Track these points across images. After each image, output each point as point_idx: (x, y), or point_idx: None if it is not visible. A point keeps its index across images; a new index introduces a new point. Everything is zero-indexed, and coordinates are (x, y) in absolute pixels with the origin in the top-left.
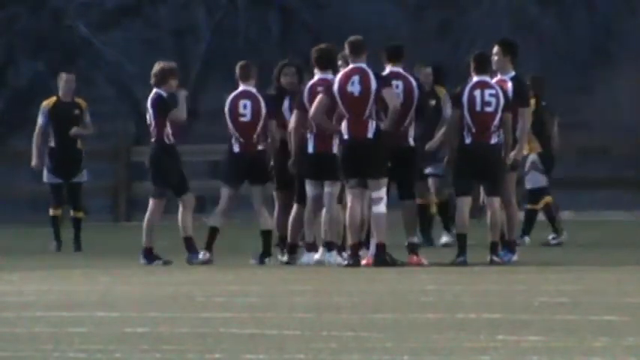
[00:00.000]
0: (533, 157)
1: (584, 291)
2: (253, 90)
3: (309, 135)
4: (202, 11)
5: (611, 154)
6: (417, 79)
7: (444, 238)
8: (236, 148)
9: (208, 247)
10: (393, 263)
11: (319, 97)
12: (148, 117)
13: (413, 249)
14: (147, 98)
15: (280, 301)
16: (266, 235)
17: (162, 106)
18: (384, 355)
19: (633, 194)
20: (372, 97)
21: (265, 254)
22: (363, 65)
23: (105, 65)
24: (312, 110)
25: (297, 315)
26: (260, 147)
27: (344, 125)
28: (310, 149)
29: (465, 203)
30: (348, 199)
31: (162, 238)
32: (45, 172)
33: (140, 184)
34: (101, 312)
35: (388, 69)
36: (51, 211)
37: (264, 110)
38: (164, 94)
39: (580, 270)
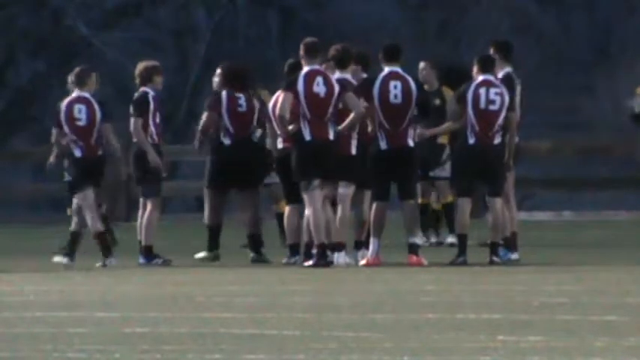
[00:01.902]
0: None
1: (584, 291)
2: (88, 96)
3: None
4: (202, 11)
5: (611, 154)
6: (415, 79)
7: (449, 239)
8: (77, 153)
9: (71, 253)
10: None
11: (284, 94)
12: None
13: (413, 249)
14: None
15: (280, 301)
16: (73, 235)
17: (146, 105)
18: (384, 355)
19: (633, 194)
20: (335, 99)
21: (69, 254)
22: (320, 67)
23: (105, 65)
24: (278, 106)
25: (297, 315)
26: (99, 152)
27: (305, 126)
28: None
29: (466, 203)
30: (309, 201)
31: (161, 238)
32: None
33: None
34: (101, 312)
35: (387, 69)
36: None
37: (99, 115)
38: (150, 92)
39: (580, 270)
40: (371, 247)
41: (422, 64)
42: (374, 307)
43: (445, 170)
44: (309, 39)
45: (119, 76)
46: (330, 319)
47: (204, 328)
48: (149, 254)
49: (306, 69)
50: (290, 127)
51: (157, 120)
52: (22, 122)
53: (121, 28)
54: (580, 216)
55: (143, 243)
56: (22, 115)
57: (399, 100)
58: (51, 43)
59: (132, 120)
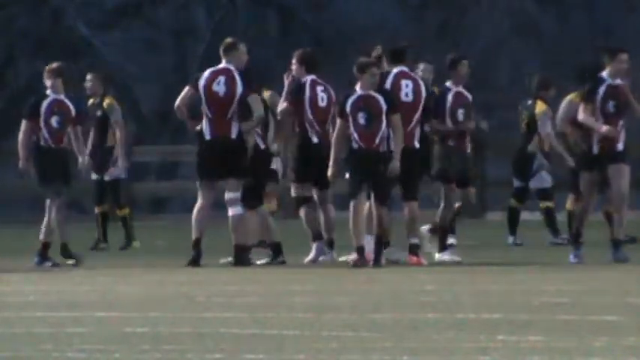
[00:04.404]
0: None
1: (584, 291)
2: None
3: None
4: (202, 11)
5: None
6: (423, 81)
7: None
8: None
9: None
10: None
11: (186, 88)
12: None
13: (413, 249)
14: (147, 98)
15: (280, 301)
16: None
17: (33, 109)
18: (384, 355)
19: (633, 194)
20: (237, 99)
21: None
22: (231, 66)
23: (105, 65)
24: (178, 99)
25: (297, 315)
26: None
27: (205, 124)
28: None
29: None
30: (199, 197)
31: (160, 238)
32: None
33: (140, 184)
34: (101, 312)
35: (396, 70)
36: (95, 209)
37: None
38: (51, 95)
39: (580, 270)
40: (367, 246)
41: (422, 66)
42: (374, 307)
43: None
44: (228, 39)
45: (119, 76)
46: (330, 319)
47: (204, 328)
48: (43, 254)
49: (212, 68)
50: (198, 128)
51: (54, 124)
52: (21, 122)
53: (121, 28)
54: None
55: (60, 240)
56: (21, 115)
57: (409, 98)
58: (51, 43)
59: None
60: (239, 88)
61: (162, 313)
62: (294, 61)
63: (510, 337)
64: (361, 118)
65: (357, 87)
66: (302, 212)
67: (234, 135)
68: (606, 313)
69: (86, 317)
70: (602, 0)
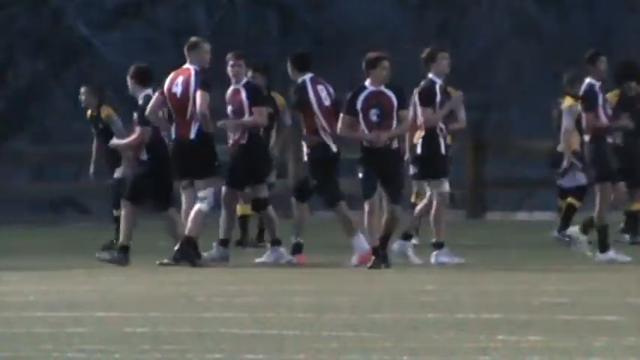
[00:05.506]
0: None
1: (584, 291)
2: None
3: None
4: (202, 11)
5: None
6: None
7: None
8: None
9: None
10: (193, 260)
11: (156, 94)
12: None
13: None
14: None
15: (280, 301)
16: None
17: None
18: (384, 355)
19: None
20: (192, 98)
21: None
22: (191, 66)
23: (105, 65)
24: (148, 107)
25: (297, 315)
26: None
27: (173, 126)
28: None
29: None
30: (183, 199)
31: (160, 239)
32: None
33: None
34: (101, 312)
35: (307, 77)
36: (114, 212)
37: None
38: None
39: (580, 270)
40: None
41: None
42: (374, 307)
43: None
44: (193, 37)
45: (119, 76)
46: (330, 319)
47: (204, 328)
48: None
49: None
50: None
51: None
52: (21, 122)
53: (121, 28)
54: (580, 216)
55: None
56: (21, 115)
57: (329, 102)
58: (51, 43)
59: None
60: (192, 88)
61: (162, 313)
62: (235, 61)
63: (510, 337)
64: (373, 115)
65: (367, 83)
66: (268, 213)
67: (192, 135)
68: (606, 313)
69: (86, 317)
70: (602, 0)
